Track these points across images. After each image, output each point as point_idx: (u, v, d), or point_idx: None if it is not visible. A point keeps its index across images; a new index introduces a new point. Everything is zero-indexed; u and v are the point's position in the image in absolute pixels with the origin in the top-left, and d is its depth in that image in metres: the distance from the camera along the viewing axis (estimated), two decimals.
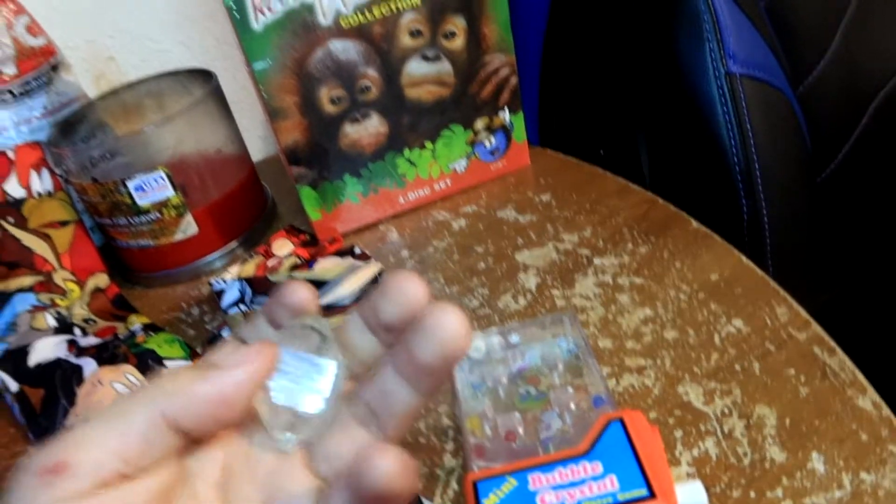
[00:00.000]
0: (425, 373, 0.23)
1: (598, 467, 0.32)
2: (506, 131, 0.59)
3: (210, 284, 0.52)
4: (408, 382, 0.23)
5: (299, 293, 0.25)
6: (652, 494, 0.30)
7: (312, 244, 0.57)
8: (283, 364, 0.23)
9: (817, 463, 0.34)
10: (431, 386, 0.23)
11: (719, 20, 0.60)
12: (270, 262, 0.54)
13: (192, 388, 0.22)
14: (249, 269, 0.53)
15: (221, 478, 0.24)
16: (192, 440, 0.23)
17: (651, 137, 0.69)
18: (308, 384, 0.24)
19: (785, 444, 0.35)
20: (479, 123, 0.58)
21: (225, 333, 0.50)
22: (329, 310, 0.46)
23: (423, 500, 0.36)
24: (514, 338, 0.43)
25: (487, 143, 0.59)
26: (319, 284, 0.48)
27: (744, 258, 0.46)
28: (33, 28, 0.60)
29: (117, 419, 0.22)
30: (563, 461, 0.33)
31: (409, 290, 0.23)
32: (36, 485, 0.20)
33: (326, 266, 0.51)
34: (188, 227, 0.57)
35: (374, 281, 0.48)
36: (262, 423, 0.24)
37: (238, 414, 0.23)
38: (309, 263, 0.52)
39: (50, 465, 0.20)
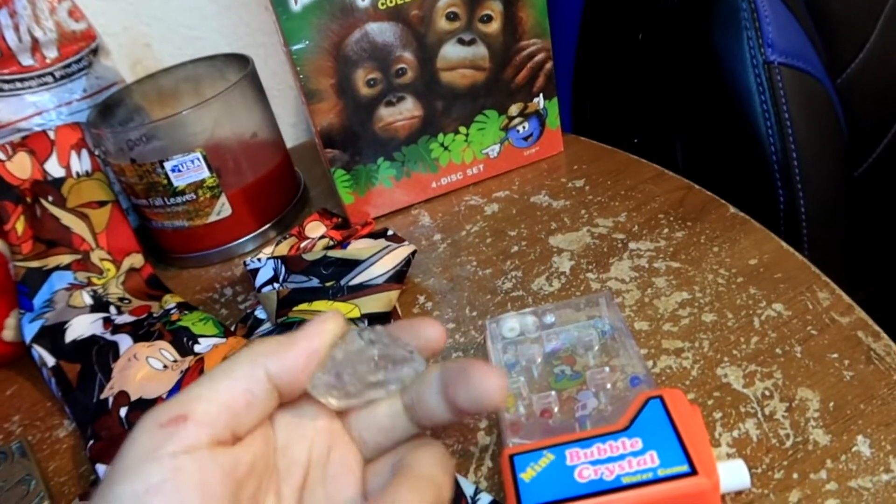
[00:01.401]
0: (458, 411, 0.27)
1: (638, 443, 0.31)
2: (540, 117, 0.59)
3: (244, 264, 0.52)
4: (447, 409, 0.27)
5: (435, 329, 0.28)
6: (693, 471, 0.30)
7: (345, 227, 0.57)
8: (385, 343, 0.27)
9: (863, 446, 0.33)
10: (460, 419, 0.28)
11: (758, 8, 0.59)
12: (304, 244, 0.54)
13: (284, 350, 0.26)
14: (283, 249, 0.53)
15: (303, 482, 0.27)
16: (283, 400, 0.26)
17: (686, 126, 0.68)
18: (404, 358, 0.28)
19: (829, 427, 0.34)
20: (514, 109, 0.58)
21: (259, 313, 0.50)
22: (362, 288, 0.47)
23: (458, 476, 0.36)
24: (549, 318, 0.42)
25: (521, 129, 0.59)
26: (353, 263, 0.48)
27: (783, 243, 0.46)
28: (75, 12, 0.61)
29: (224, 376, 0.25)
30: (602, 437, 0.32)
31: (431, 333, 0.28)
32: (159, 434, 0.23)
33: (360, 246, 0.51)
34: (222, 208, 0.58)
35: (408, 262, 0.48)
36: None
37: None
38: (342, 244, 0.53)
39: (172, 416, 0.23)
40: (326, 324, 0.27)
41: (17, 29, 0.57)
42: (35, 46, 0.58)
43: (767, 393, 0.36)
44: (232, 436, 0.24)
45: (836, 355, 0.37)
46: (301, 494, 0.27)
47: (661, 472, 0.30)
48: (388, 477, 0.27)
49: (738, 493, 0.32)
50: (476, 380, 0.26)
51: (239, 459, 0.24)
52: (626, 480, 0.30)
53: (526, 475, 0.32)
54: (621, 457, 0.31)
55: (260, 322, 0.50)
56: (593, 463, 0.31)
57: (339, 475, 0.27)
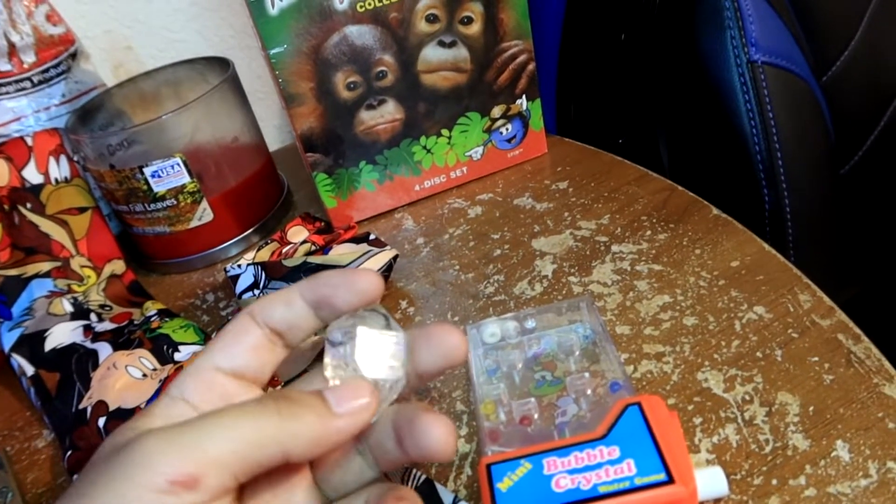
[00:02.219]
0: (410, 459, 0.26)
1: (615, 451, 0.31)
2: (523, 119, 0.59)
3: (225, 270, 0.52)
4: (402, 455, 0.26)
5: (370, 280, 0.27)
6: (670, 479, 0.29)
7: (327, 231, 0.56)
8: (363, 341, 0.26)
9: (842, 451, 0.33)
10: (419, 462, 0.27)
11: (741, 7, 0.59)
12: (285, 249, 0.53)
13: (316, 434, 0.24)
14: (264, 255, 0.53)
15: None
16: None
17: (670, 127, 0.68)
18: (385, 357, 0.26)
19: (808, 431, 0.34)
20: (496, 111, 0.57)
21: None
22: None
23: (436, 484, 0.35)
24: (530, 323, 0.42)
25: (504, 131, 0.59)
26: (334, 269, 0.48)
27: (766, 245, 0.45)
28: (53, 16, 0.60)
29: (246, 444, 0.23)
30: (579, 445, 0.32)
31: (452, 342, 0.26)
32: (163, 492, 0.21)
33: (341, 251, 0.50)
34: (204, 213, 0.57)
35: (389, 267, 0.48)
36: None
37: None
38: (324, 250, 0.52)
39: (185, 475, 0.21)
40: (370, 409, 0.25)
41: None
42: (12, 51, 0.57)
43: (748, 397, 0.36)
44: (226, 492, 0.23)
45: (816, 359, 0.37)
46: (240, 496, 0.26)
47: (638, 481, 0.30)
48: None
49: (717, 500, 0.32)
50: (420, 431, 0.25)
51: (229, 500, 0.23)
52: (602, 490, 0.30)
53: (503, 485, 0.31)
54: (598, 465, 0.31)
55: None
56: (571, 472, 0.31)
57: (291, 480, 0.27)
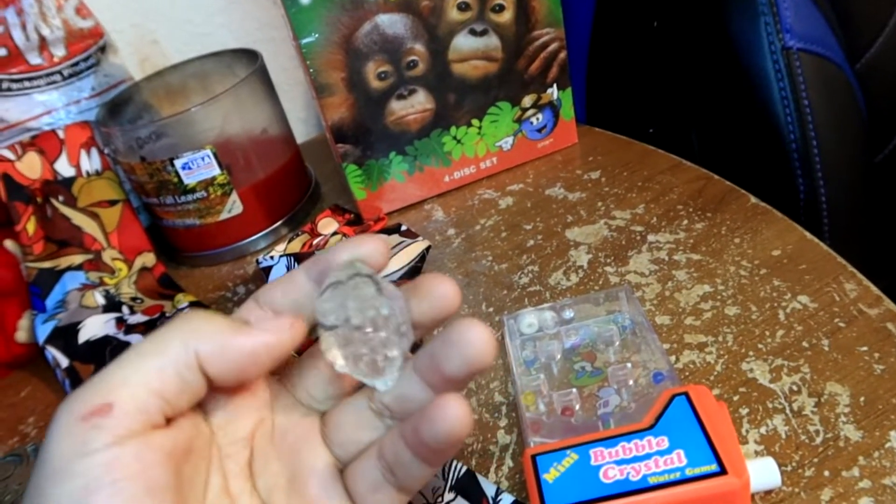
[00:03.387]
0: (450, 382, 0.24)
1: (664, 442, 0.31)
2: (553, 108, 0.58)
3: (257, 262, 0.52)
4: (430, 387, 0.25)
5: (449, 286, 0.25)
6: (723, 470, 0.29)
7: (357, 223, 0.56)
8: (354, 318, 0.24)
9: None
10: (453, 390, 0.24)
11: None
12: (316, 241, 0.53)
13: (227, 337, 0.23)
14: (295, 246, 0.53)
15: (250, 456, 0.26)
16: (213, 390, 0.24)
17: (702, 116, 0.67)
18: (388, 323, 0.24)
19: (860, 422, 0.33)
20: (527, 100, 0.57)
21: None
22: None
23: (479, 476, 0.35)
24: (568, 313, 0.42)
25: (535, 121, 0.58)
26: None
27: (807, 234, 0.44)
28: (82, 10, 0.60)
29: (153, 356, 0.22)
30: (627, 436, 0.31)
31: (442, 291, 0.25)
32: (85, 429, 0.20)
33: None
34: (234, 206, 0.57)
35: (423, 258, 0.48)
36: (360, 380, 0.25)
37: (259, 375, 0.24)
38: None
39: (93, 407, 0.20)
40: (290, 330, 0.24)
41: (24, 27, 0.57)
42: (43, 45, 0.58)
43: (795, 388, 0.35)
44: (165, 419, 0.22)
45: (865, 348, 0.36)
46: (250, 469, 0.25)
47: (690, 472, 0.29)
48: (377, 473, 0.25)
49: (768, 491, 0.31)
50: (461, 340, 0.23)
51: (176, 439, 0.22)
52: (652, 480, 0.29)
53: (549, 476, 0.31)
54: (647, 456, 0.30)
55: None
56: (618, 462, 0.30)
57: (297, 444, 0.26)
